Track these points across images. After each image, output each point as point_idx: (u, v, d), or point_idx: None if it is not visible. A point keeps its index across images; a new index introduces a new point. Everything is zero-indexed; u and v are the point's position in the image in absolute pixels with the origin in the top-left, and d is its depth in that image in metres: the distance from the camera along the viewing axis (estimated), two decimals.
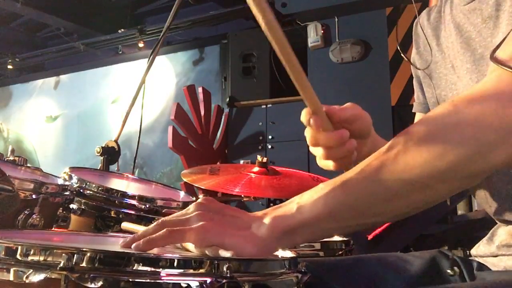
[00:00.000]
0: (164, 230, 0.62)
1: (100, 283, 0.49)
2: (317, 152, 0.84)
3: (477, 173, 0.62)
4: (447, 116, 0.61)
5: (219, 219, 0.65)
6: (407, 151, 0.61)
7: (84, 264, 0.50)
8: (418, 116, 1.08)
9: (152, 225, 0.65)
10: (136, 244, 0.62)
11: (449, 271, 0.91)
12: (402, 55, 1.02)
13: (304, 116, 0.78)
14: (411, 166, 0.60)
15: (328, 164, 0.86)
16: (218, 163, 4.49)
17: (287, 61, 0.64)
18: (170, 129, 4.19)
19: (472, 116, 0.59)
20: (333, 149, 0.81)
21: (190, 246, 0.65)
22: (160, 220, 0.66)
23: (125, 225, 1.02)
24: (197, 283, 0.51)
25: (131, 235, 0.67)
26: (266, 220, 0.64)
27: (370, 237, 2.10)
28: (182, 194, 1.59)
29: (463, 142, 0.59)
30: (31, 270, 0.50)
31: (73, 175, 1.27)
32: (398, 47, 1.02)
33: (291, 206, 0.66)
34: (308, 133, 0.81)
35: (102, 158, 1.76)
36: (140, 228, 0.89)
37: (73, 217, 1.22)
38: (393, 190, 0.62)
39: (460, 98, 0.63)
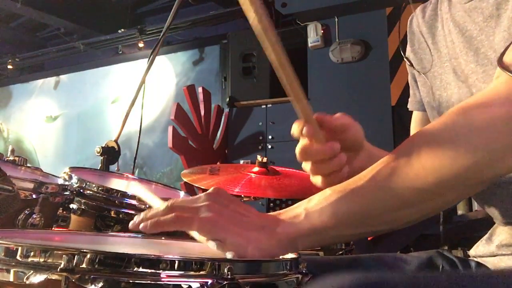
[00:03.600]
0: (173, 215, 0.63)
1: (100, 284, 0.49)
2: (307, 167, 0.80)
3: (487, 179, 0.61)
4: (457, 123, 0.61)
5: (228, 214, 0.65)
6: (418, 159, 0.60)
7: (84, 265, 0.50)
8: (415, 114, 1.08)
9: (162, 206, 0.65)
10: (144, 225, 0.62)
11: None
12: (402, 53, 1.01)
13: (296, 127, 0.75)
14: (422, 174, 0.59)
15: (317, 181, 0.82)
16: (218, 163, 4.49)
17: (281, 69, 0.64)
18: (170, 129, 4.19)
19: (483, 123, 0.59)
20: (323, 164, 0.77)
21: (195, 234, 0.65)
22: (170, 202, 0.66)
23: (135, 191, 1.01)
24: (198, 285, 0.51)
25: (132, 235, 0.67)
26: (274, 226, 0.64)
27: (370, 237, 2.10)
28: (182, 194, 1.59)
29: (474, 149, 0.58)
30: (32, 271, 0.50)
31: (73, 175, 1.27)
32: (401, 48, 1.01)
33: (298, 212, 0.65)
34: (298, 147, 0.77)
35: (102, 158, 1.76)
36: (149, 197, 0.90)
37: (73, 217, 1.22)
38: (404, 198, 0.61)
39: (470, 104, 0.62)
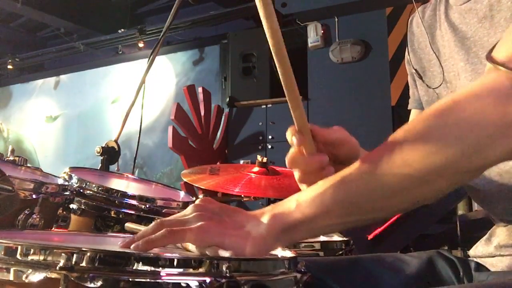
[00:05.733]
0: (163, 230, 0.62)
1: (99, 283, 0.49)
2: (295, 175, 0.81)
3: (475, 168, 0.62)
4: (446, 112, 0.61)
5: (218, 219, 0.65)
6: (406, 146, 0.61)
7: (83, 264, 0.50)
8: (413, 113, 1.09)
9: (151, 225, 0.65)
10: (136, 245, 0.62)
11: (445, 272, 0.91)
12: (412, 69, 1.01)
13: (289, 133, 0.75)
14: (409, 161, 0.60)
15: (303, 188, 0.82)
16: (218, 163, 4.49)
17: (284, 76, 0.65)
18: (170, 129, 4.19)
19: (471, 113, 0.59)
20: (310, 174, 0.78)
21: (190, 246, 0.65)
22: (159, 221, 0.66)
23: (129, 225, 1.02)
24: (197, 283, 0.51)
25: (131, 235, 0.67)
26: (264, 219, 0.65)
27: (370, 237, 2.10)
28: (182, 194, 1.59)
29: (462, 137, 0.59)
30: (31, 270, 0.51)
31: (73, 175, 1.27)
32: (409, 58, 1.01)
33: (290, 203, 0.66)
34: (288, 155, 0.78)
35: (102, 158, 1.76)
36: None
37: (73, 217, 1.22)
38: (392, 185, 0.62)
39: (459, 95, 0.63)
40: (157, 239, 0.62)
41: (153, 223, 0.65)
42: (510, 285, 0.71)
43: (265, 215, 0.65)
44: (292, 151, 0.78)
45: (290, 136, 0.75)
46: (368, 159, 0.64)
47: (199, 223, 0.63)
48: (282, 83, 0.66)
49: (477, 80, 0.65)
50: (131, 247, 0.62)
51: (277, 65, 0.65)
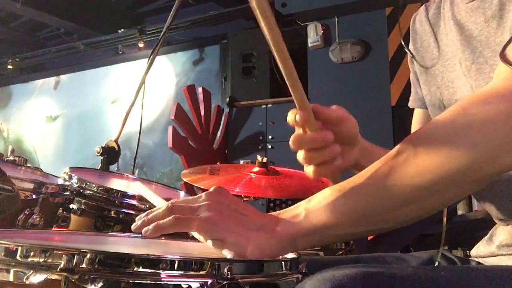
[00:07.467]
0: (172, 217, 0.63)
1: (100, 284, 0.49)
2: (300, 156, 0.80)
3: (487, 176, 0.60)
4: (456, 120, 0.60)
5: (228, 213, 0.65)
6: (417, 156, 0.60)
7: (84, 265, 0.50)
8: (416, 112, 1.08)
9: (162, 208, 0.66)
10: (145, 229, 0.63)
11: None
12: (405, 49, 1.01)
13: (291, 114, 0.74)
14: (421, 171, 0.59)
15: (309, 171, 0.80)
16: (218, 163, 4.49)
17: (280, 56, 0.63)
18: (170, 129, 4.18)
19: (482, 119, 0.58)
20: (315, 152, 0.77)
21: (195, 233, 0.66)
22: (170, 203, 0.66)
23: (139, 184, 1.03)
24: (198, 285, 0.51)
25: (132, 235, 0.68)
26: (274, 226, 0.64)
27: (370, 237, 2.10)
28: (182, 194, 1.59)
29: (474, 146, 0.57)
30: (31, 271, 0.50)
31: (73, 175, 1.27)
32: (402, 41, 1.01)
33: (298, 211, 0.65)
34: (292, 136, 0.77)
35: (102, 158, 1.75)
36: (151, 197, 0.94)
37: (73, 217, 1.22)
38: (403, 196, 0.60)
39: (469, 101, 0.61)
40: (165, 226, 0.63)
41: (165, 205, 0.66)
42: (492, 270, 0.70)
43: (275, 221, 0.65)
44: (295, 132, 0.77)
45: (292, 116, 0.74)
46: (379, 169, 0.62)
47: (208, 214, 0.63)
48: (278, 61, 0.64)
49: (488, 85, 0.63)
50: (143, 231, 0.64)
51: (271, 44, 0.61)
